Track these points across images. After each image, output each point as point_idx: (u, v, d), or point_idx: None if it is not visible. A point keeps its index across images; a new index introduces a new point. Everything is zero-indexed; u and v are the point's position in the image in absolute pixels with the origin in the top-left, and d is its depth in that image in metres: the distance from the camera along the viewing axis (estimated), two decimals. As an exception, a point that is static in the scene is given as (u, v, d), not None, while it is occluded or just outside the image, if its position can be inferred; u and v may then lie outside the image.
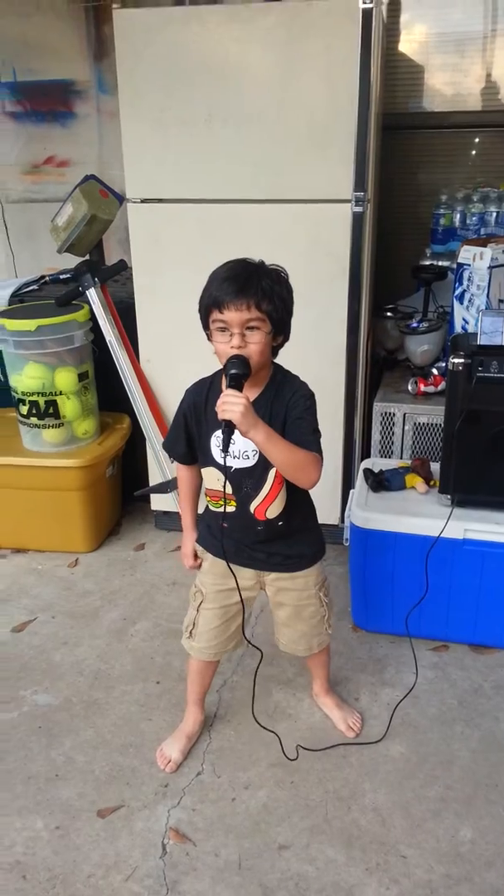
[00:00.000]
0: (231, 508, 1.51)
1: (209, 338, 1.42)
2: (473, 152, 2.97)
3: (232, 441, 1.44)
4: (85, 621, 2.23)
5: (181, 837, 1.52)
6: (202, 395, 1.50)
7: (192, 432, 1.53)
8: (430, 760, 1.70)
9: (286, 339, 1.45)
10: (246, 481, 1.48)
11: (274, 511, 1.51)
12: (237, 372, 1.33)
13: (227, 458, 1.45)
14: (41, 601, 2.34)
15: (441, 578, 1.96)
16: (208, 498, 1.57)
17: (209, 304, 1.36)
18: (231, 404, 1.29)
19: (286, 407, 1.41)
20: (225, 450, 1.33)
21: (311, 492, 1.59)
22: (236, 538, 1.56)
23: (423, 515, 1.97)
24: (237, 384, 1.32)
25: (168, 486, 2.49)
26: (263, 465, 1.45)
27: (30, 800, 1.62)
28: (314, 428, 1.43)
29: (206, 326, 1.41)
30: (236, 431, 1.32)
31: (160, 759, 1.70)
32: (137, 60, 2.17)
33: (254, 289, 1.32)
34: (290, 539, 1.57)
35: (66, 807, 1.60)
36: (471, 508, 1.97)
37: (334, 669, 1.92)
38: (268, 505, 1.49)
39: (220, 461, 1.47)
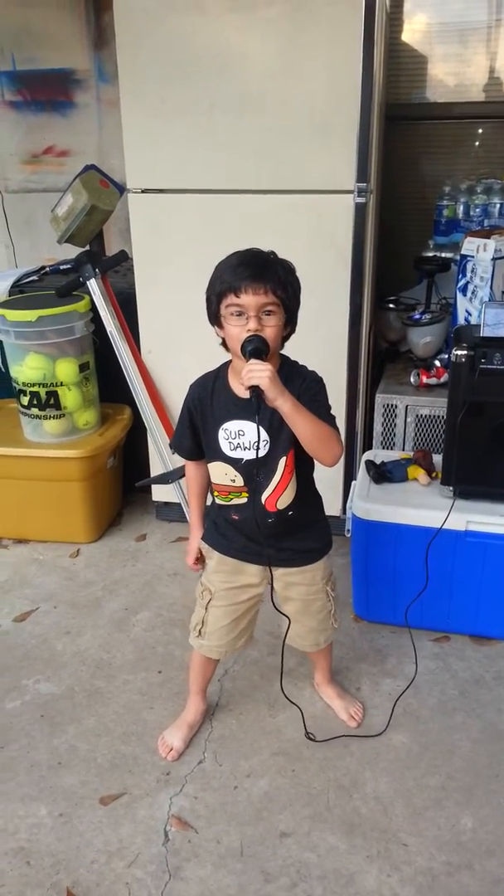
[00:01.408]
0: (243, 500, 1.51)
1: (219, 325, 1.40)
2: (477, 143, 2.96)
3: (241, 433, 1.45)
4: (87, 611, 2.24)
5: (183, 825, 1.53)
6: (207, 389, 1.50)
7: (197, 427, 1.53)
8: (431, 750, 1.71)
9: (293, 330, 1.45)
10: (259, 471, 1.47)
11: (284, 501, 1.50)
12: (257, 346, 1.32)
13: (238, 450, 1.46)
14: (43, 591, 2.34)
15: (443, 570, 1.96)
16: (216, 493, 1.56)
17: (223, 290, 1.34)
18: (257, 371, 1.29)
19: (297, 392, 1.39)
20: (258, 412, 1.33)
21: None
22: (246, 533, 1.55)
23: (425, 507, 1.97)
24: (258, 357, 1.32)
25: (169, 477, 2.48)
26: (274, 454, 1.45)
27: (33, 787, 1.63)
28: (328, 409, 1.43)
29: (215, 316, 1.40)
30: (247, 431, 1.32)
31: (162, 747, 1.71)
32: (138, 49, 2.16)
33: (270, 274, 1.33)
34: (300, 533, 1.57)
35: (69, 794, 1.61)
36: (473, 500, 1.97)
37: (336, 659, 1.92)
38: (279, 495, 1.49)
39: (230, 454, 1.48)
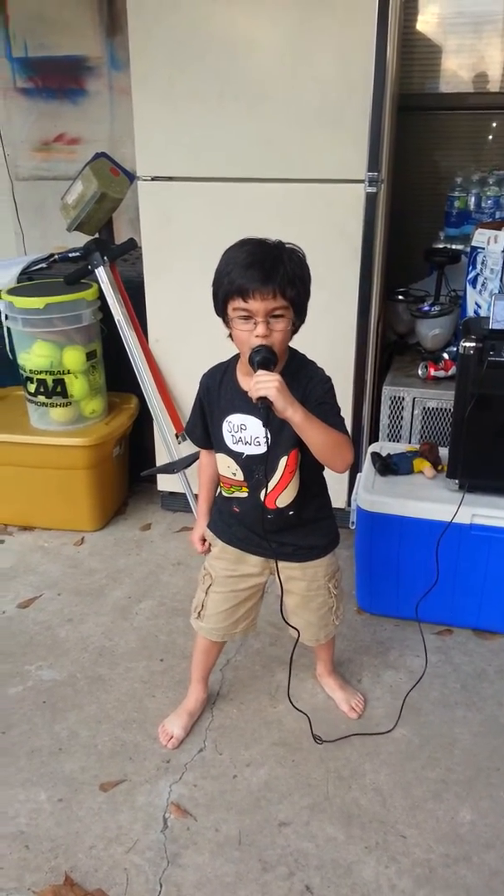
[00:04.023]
0: (243, 494, 1.51)
1: (225, 322, 1.38)
2: (490, 135, 2.93)
3: (243, 427, 1.44)
4: (90, 599, 2.25)
5: (182, 812, 1.54)
6: (216, 379, 1.49)
7: (206, 416, 1.52)
8: (431, 743, 1.71)
9: (303, 321, 1.42)
10: (257, 468, 1.46)
11: (285, 500, 1.49)
12: (266, 356, 1.30)
13: (239, 444, 1.46)
14: (47, 578, 2.35)
15: (447, 563, 1.95)
16: (221, 484, 1.56)
17: (231, 292, 1.31)
18: (265, 382, 1.27)
19: (303, 391, 1.38)
20: (266, 425, 1.32)
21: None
22: (247, 525, 1.55)
23: (430, 500, 1.96)
24: (266, 367, 1.30)
25: (175, 467, 2.48)
26: (274, 453, 1.43)
27: (33, 772, 1.64)
28: (337, 411, 1.41)
29: (222, 312, 1.37)
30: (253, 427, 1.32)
31: (162, 735, 1.71)
32: (150, 36, 2.15)
33: (279, 275, 1.28)
34: (302, 530, 1.56)
35: (69, 780, 1.62)
36: (478, 493, 1.96)
37: (338, 651, 1.92)
38: (278, 493, 1.48)
39: (232, 447, 1.47)
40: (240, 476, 1.49)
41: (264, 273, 1.28)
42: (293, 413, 1.29)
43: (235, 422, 1.45)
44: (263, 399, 1.28)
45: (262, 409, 1.29)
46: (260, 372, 1.29)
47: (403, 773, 1.63)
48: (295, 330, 1.42)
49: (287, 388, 1.29)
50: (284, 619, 1.63)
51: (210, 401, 1.50)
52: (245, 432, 1.44)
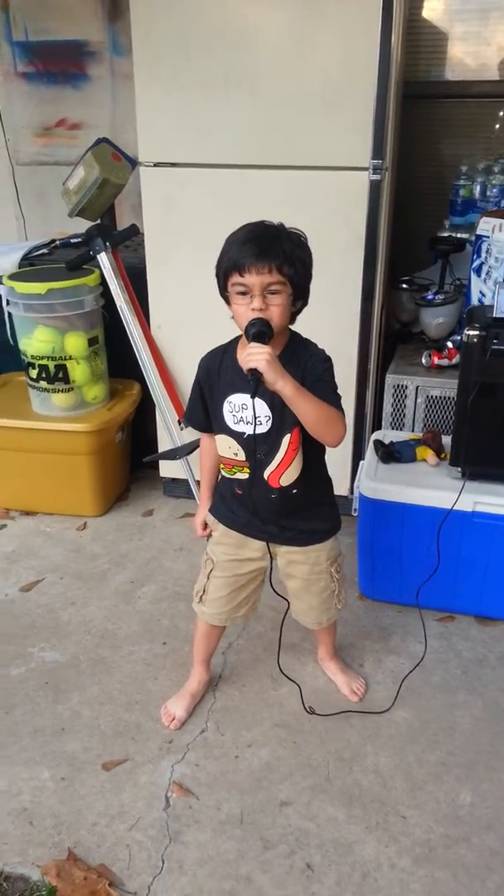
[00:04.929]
0: (245, 475, 1.51)
1: (227, 302, 1.40)
2: (496, 124, 2.92)
3: (244, 407, 1.44)
4: (93, 583, 2.25)
5: (184, 791, 1.55)
6: (216, 361, 1.50)
7: (206, 399, 1.53)
8: (432, 726, 1.72)
9: (305, 304, 1.43)
10: (260, 447, 1.47)
11: (288, 478, 1.50)
12: (260, 329, 1.32)
13: (241, 423, 1.46)
14: (49, 562, 2.36)
15: (449, 550, 1.96)
16: (222, 465, 1.57)
17: (228, 268, 1.34)
18: (256, 354, 1.29)
19: (303, 370, 1.39)
20: (254, 396, 1.32)
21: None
22: (249, 508, 1.56)
23: (432, 487, 1.97)
24: (261, 340, 1.32)
25: (177, 453, 2.49)
26: (277, 430, 1.45)
27: (36, 752, 1.65)
28: (334, 389, 1.42)
29: (223, 291, 1.40)
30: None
31: (165, 716, 1.73)
32: (153, 22, 2.13)
33: (275, 251, 1.30)
34: (305, 513, 1.57)
35: (72, 759, 1.63)
36: (481, 481, 1.96)
37: (340, 636, 1.93)
38: (282, 472, 1.49)
39: (233, 427, 1.48)
40: (241, 456, 1.49)
41: (260, 248, 1.30)
42: (283, 385, 1.30)
43: (236, 402, 1.46)
44: (254, 371, 1.29)
45: (252, 381, 1.30)
46: (252, 344, 1.31)
47: (404, 755, 1.64)
48: (297, 311, 1.43)
49: (278, 361, 1.30)
50: (273, 588, 1.64)
51: (210, 383, 1.51)
52: (246, 412, 1.45)
